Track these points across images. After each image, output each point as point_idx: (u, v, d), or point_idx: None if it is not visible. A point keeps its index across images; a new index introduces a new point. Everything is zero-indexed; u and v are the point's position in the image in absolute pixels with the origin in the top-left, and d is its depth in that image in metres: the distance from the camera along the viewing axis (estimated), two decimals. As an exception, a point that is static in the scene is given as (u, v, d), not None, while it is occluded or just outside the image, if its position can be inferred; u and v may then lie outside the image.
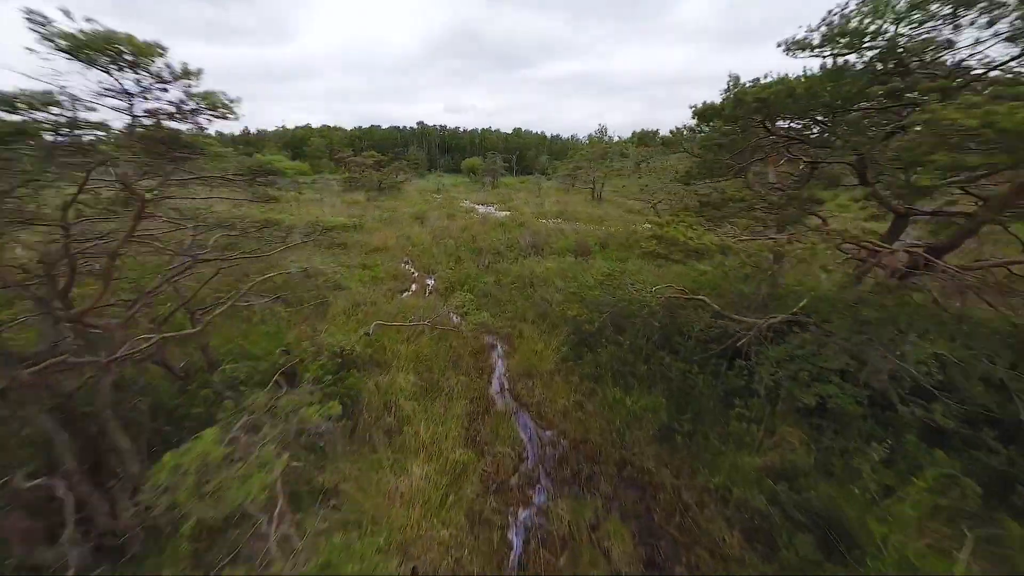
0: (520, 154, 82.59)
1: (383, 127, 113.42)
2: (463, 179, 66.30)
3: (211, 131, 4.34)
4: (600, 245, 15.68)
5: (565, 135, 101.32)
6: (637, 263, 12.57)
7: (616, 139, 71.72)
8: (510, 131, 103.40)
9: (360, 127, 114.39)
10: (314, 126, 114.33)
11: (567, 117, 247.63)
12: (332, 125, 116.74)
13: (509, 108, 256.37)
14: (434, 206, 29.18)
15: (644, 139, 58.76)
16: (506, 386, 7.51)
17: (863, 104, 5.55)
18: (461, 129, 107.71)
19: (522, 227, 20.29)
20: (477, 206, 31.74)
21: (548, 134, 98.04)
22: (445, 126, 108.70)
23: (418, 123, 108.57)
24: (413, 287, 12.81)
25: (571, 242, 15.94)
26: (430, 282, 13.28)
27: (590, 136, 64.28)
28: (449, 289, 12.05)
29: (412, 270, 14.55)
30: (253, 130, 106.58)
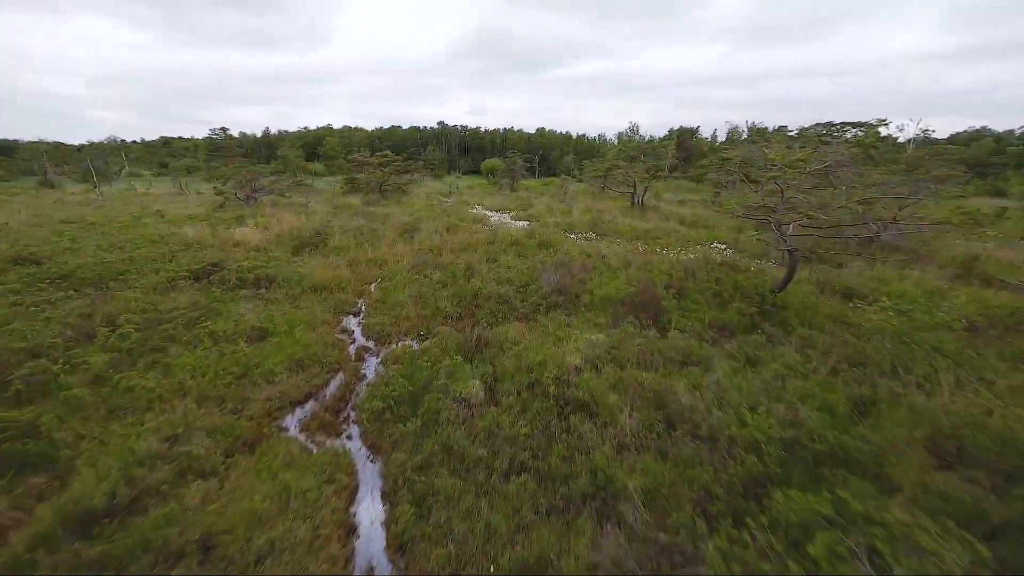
0: (543, 154, 76.93)
1: (404, 128, 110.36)
2: (481, 181, 61.30)
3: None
4: (671, 288, 9.86)
5: (591, 134, 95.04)
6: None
7: (648, 138, 65.31)
8: (533, 131, 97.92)
9: (381, 128, 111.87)
10: (335, 127, 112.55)
11: (590, 118, 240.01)
12: (353, 126, 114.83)
13: (532, 109, 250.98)
14: (437, 213, 24.01)
15: (683, 137, 52.11)
16: None
17: None
18: (483, 129, 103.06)
19: (546, 249, 14.71)
20: (490, 213, 26.42)
21: (574, 133, 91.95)
22: (466, 126, 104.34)
23: (439, 123, 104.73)
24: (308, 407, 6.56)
25: (622, 283, 10.24)
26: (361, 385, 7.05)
27: (620, 135, 58.14)
28: (379, 427, 5.90)
29: (349, 338, 8.82)
30: (275, 131, 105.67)
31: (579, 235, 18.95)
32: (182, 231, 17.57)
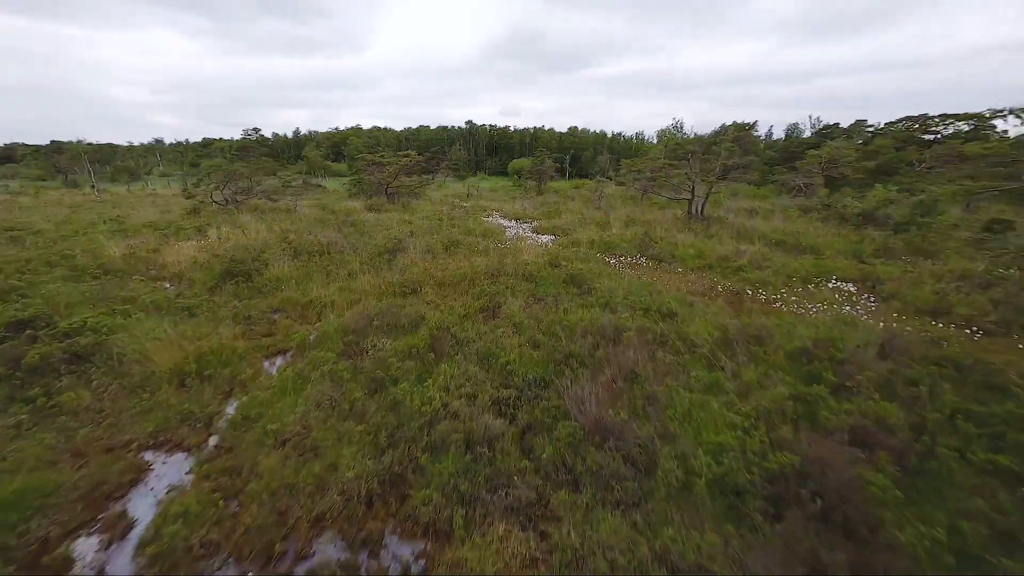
0: (575, 154, 71.30)
1: (432, 127, 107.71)
2: (507, 182, 56.64)
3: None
4: (872, 446, 4.52)
5: (628, 132, 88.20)
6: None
7: (693, 135, 58.64)
8: (565, 130, 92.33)
9: (409, 128, 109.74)
10: (364, 128, 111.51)
11: (624, 117, 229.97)
12: (382, 127, 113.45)
13: (563, 110, 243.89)
14: (441, 223, 19.41)
15: (740, 135, 45.16)
16: None
17: None
18: (512, 128, 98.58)
19: (575, 286, 9.77)
20: (508, 223, 21.56)
21: (609, 132, 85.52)
22: (495, 125, 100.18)
23: (467, 122, 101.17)
24: None
25: (742, 415, 5.09)
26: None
27: (663, 131, 51.82)
28: None
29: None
30: (305, 132, 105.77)
31: (623, 260, 13.73)
32: (114, 246, 13.88)
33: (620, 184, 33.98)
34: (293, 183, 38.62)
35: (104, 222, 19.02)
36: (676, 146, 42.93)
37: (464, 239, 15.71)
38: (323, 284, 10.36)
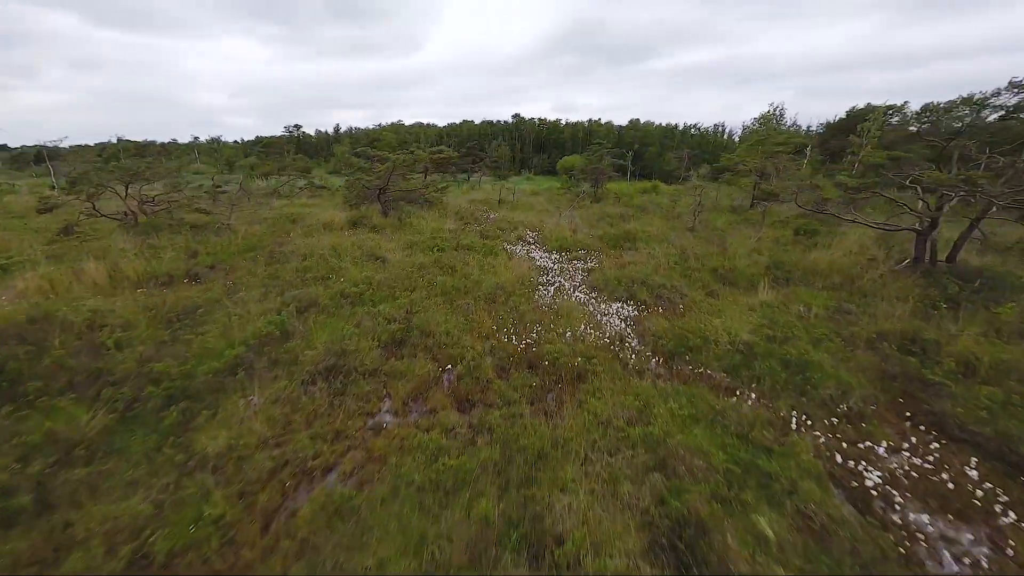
0: (638, 151, 60.38)
1: (476, 122, 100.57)
2: (555, 182, 47.44)
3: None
4: None
5: (705, 124, 74.89)
6: None
7: (793, 125, 46.22)
8: (625, 123, 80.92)
9: (452, 123, 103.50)
10: (407, 124, 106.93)
11: (691, 112, 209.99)
12: (425, 123, 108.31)
13: (622, 105, 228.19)
14: (438, 253, 10.98)
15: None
16: None
17: None
18: (563, 122, 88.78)
19: None
20: (546, 257, 12.67)
21: (679, 124, 72.99)
22: (544, 119, 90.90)
23: (513, 115, 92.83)
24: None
25: None
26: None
27: (764, 116, 39.99)
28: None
29: None
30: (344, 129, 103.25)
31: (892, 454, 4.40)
32: None
33: (724, 182, 23.45)
34: (295, 184, 32.14)
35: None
36: (784, 139, 31.56)
37: (440, 327, 7.11)
38: None
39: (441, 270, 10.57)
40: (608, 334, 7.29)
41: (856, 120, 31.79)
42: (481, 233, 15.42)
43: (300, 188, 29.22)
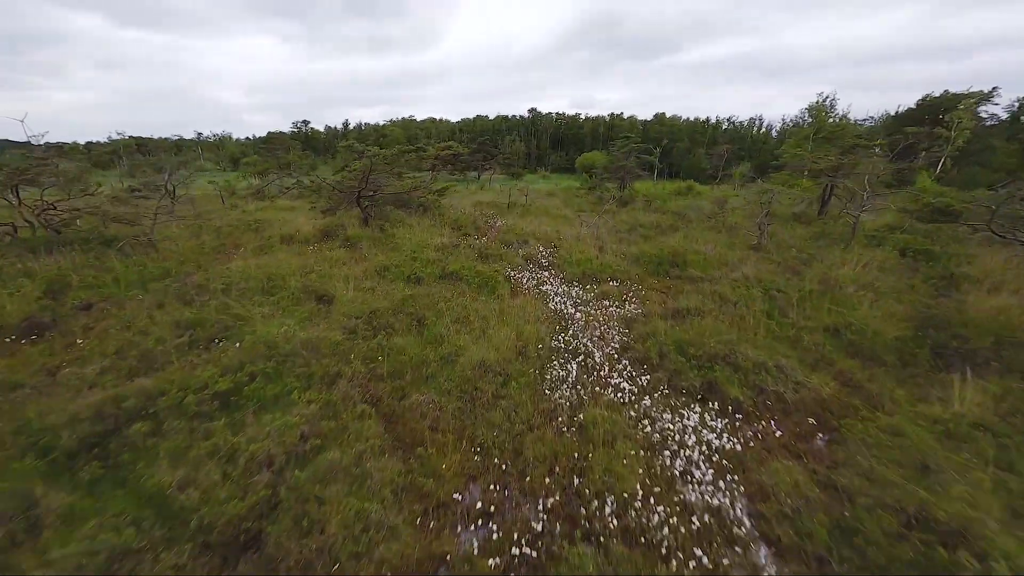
0: (666, 147, 55.60)
1: (490, 117, 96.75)
2: (573, 181, 43.35)
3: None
4: None
5: (740, 118, 69.24)
6: None
7: (845, 117, 40.55)
8: (650, 118, 75.85)
9: (466, 119, 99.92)
10: (418, 119, 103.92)
11: (718, 107, 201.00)
12: (438, 118, 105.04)
13: (643, 100, 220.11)
14: (398, 290, 7.38)
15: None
16: None
17: None
18: (582, 116, 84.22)
19: None
20: (558, 293, 8.86)
21: (711, 118, 67.61)
22: (563, 113, 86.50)
23: (529, 110, 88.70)
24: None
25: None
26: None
27: (814, 106, 34.98)
28: None
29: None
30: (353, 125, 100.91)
31: None
32: None
33: (791, 180, 19.08)
34: (283, 183, 29.07)
35: None
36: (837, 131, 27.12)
37: (346, 502, 3.39)
38: None
39: (405, 321, 6.94)
40: (696, 504, 3.55)
41: (932, 110, 26.82)
42: (480, 252, 11.74)
43: (287, 188, 26.22)
